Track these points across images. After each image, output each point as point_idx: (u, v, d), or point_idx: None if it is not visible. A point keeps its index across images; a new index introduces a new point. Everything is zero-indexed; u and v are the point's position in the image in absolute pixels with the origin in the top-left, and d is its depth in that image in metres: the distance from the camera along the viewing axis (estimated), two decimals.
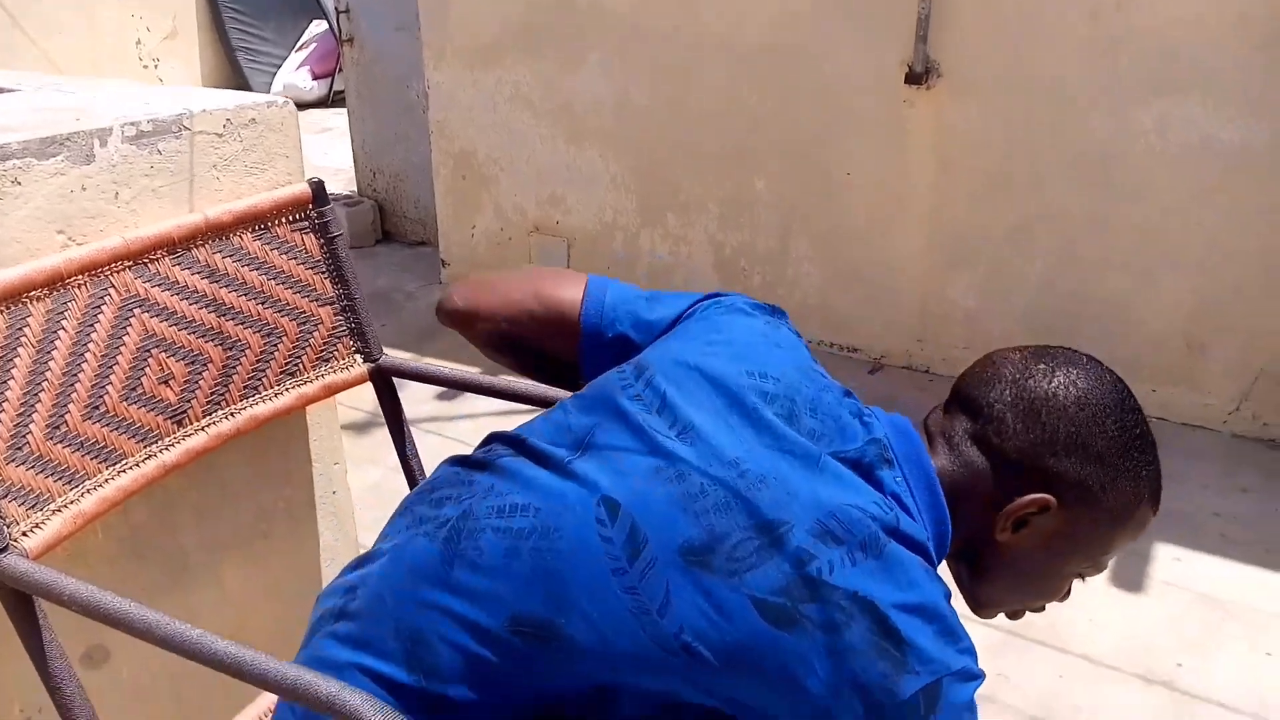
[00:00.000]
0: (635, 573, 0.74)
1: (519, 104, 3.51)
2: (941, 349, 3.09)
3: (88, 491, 1.00)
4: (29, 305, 0.96)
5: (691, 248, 3.42)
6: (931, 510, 0.83)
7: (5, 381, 0.94)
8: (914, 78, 2.79)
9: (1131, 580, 2.10)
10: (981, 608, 0.94)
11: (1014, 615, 0.95)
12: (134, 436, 1.05)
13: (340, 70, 5.82)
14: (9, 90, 1.23)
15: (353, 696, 0.72)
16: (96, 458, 1.02)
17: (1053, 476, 0.83)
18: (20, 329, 0.95)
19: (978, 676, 0.76)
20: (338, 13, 4.45)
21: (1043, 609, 0.95)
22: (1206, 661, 1.86)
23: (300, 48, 7.30)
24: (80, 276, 1.01)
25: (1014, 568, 0.88)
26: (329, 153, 5.62)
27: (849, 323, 3.21)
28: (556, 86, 3.59)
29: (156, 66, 7.24)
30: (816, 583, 0.73)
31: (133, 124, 1.08)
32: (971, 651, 0.77)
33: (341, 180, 4.70)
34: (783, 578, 0.73)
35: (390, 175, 4.42)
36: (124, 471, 1.04)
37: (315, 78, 7.23)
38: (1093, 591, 2.06)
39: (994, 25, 2.72)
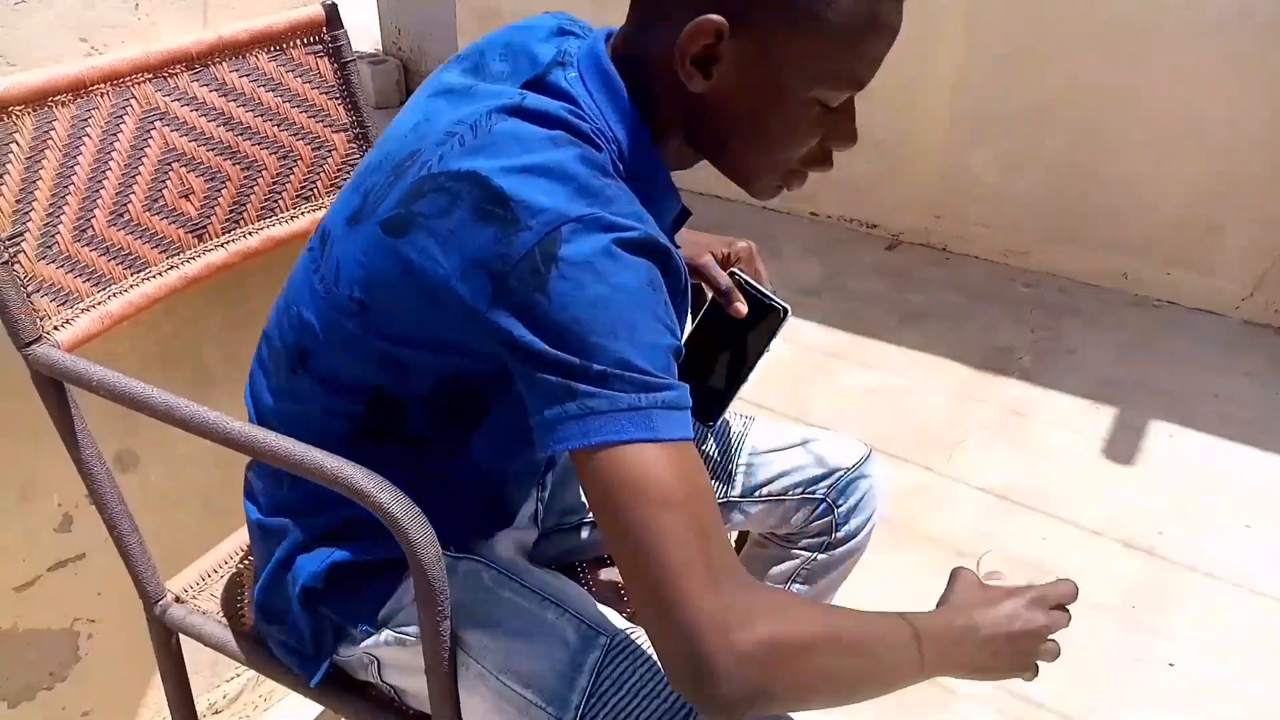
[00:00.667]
0: (320, 262, 0.83)
1: None
2: (959, 225, 3.08)
3: (114, 295, 1.05)
4: (54, 109, 0.99)
5: None
6: (611, 100, 0.77)
7: (34, 182, 0.97)
8: None
9: (1122, 453, 2.15)
10: (749, 184, 0.84)
11: (790, 182, 0.85)
12: (156, 246, 1.09)
13: None
14: None
15: (354, 472, 0.78)
16: (121, 263, 1.06)
17: (708, 1, 0.73)
18: (47, 132, 0.98)
19: (621, 229, 0.69)
20: None
21: (818, 162, 0.84)
22: (1187, 531, 1.92)
23: None
24: (103, 85, 1.03)
25: (736, 116, 0.78)
26: (354, 5, 5.50)
27: (867, 195, 3.19)
28: None
29: None
30: (423, 179, 0.72)
31: None
32: (620, 211, 0.70)
33: (367, 40, 4.62)
34: (399, 192, 0.74)
35: (414, 33, 4.35)
36: (148, 279, 1.08)
37: None
38: (1082, 463, 2.12)
39: None
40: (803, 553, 1.13)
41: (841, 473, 1.10)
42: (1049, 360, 2.50)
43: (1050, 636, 0.80)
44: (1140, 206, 2.75)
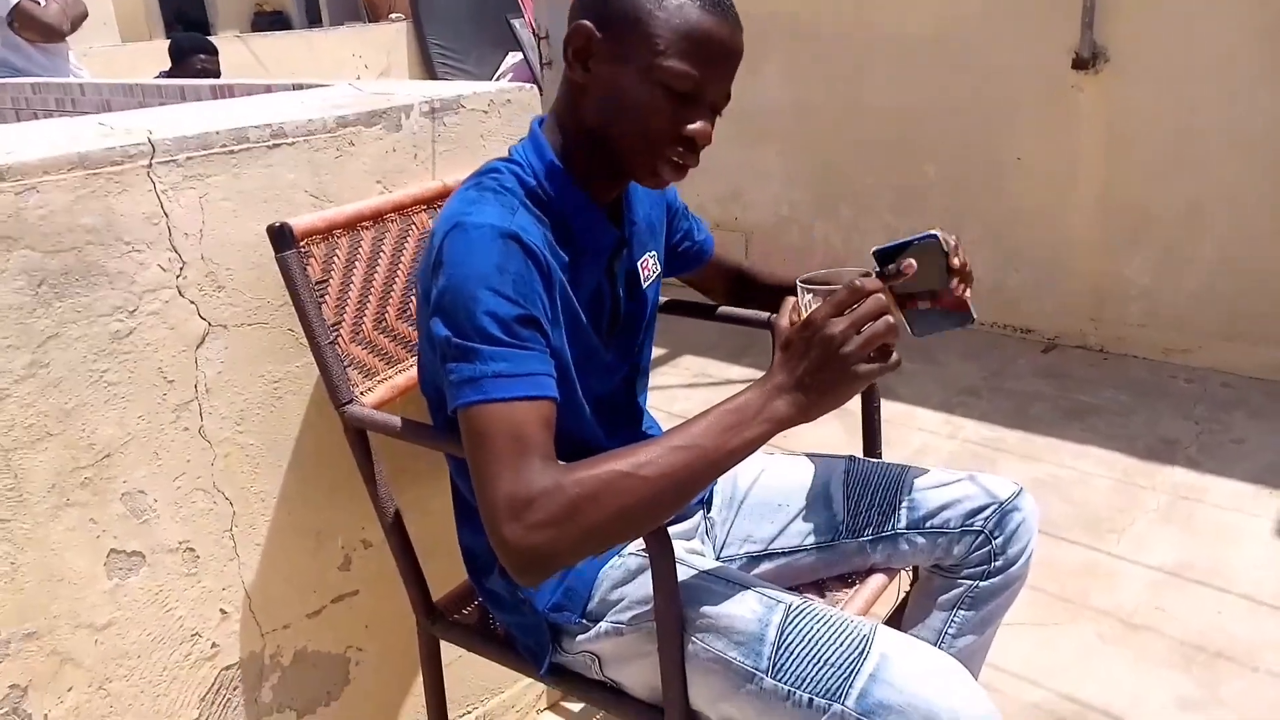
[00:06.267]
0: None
1: None
2: (1116, 328, 3.15)
3: (400, 371, 1.35)
4: (361, 232, 1.32)
5: (865, 236, 3.61)
6: (532, 143, 1.09)
7: (349, 285, 1.29)
8: (1081, 64, 2.91)
9: None
10: (632, 166, 1.05)
11: (665, 169, 1.04)
12: None
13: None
14: (328, 85, 1.62)
15: None
16: (404, 347, 1.36)
17: (585, 13, 1.02)
18: (357, 248, 1.31)
19: (478, 224, 0.96)
20: (537, 39, 4.92)
21: (685, 148, 1.03)
22: None
23: (498, 77, 7.94)
24: (393, 214, 1.36)
25: (608, 102, 1.02)
26: None
27: (1021, 304, 3.32)
28: (736, 92, 3.87)
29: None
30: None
31: (427, 102, 1.43)
32: (485, 213, 0.98)
33: None
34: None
35: None
36: None
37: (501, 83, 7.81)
38: (1256, 542, 2.13)
39: (1160, 10, 2.80)
40: (966, 581, 1.27)
41: (997, 505, 1.25)
42: (1216, 450, 2.52)
43: (867, 325, 0.90)
44: None
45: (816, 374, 0.92)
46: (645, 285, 1.22)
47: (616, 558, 1.16)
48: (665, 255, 1.32)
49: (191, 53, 3.99)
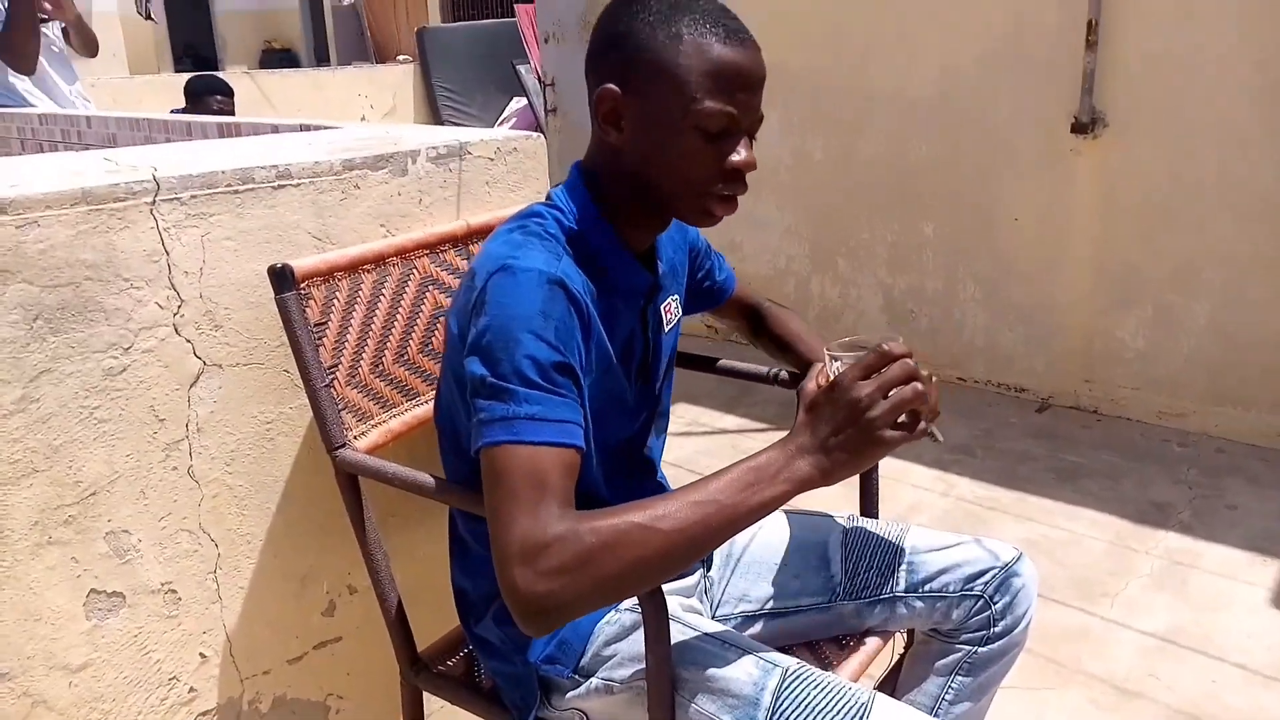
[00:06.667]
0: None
1: None
2: (1109, 389, 3.16)
3: (394, 415, 1.33)
4: (362, 275, 1.32)
5: (861, 290, 3.63)
6: (570, 190, 1.10)
7: (347, 328, 1.29)
8: (1080, 128, 2.94)
9: None
10: (678, 210, 1.07)
11: (715, 206, 1.04)
12: (425, 380, 1.39)
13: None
14: (335, 127, 1.63)
15: None
16: (400, 391, 1.35)
17: (606, 75, 1.03)
18: (357, 291, 1.31)
19: (523, 268, 0.96)
20: (543, 85, 4.98)
21: (730, 181, 1.03)
22: None
23: (502, 122, 8.02)
24: (394, 258, 1.36)
25: (647, 156, 1.03)
26: None
27: (1015, 363, 3.33)
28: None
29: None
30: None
31: (433, 148, 1.44)
32: (530, 257, 0.98)
33: None
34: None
35: None
36: (419, 405, 1.37)
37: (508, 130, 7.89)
38: (1250, 610, 2.12)
39: (1160, 78, 2.84)
40: (964, 646, 1.25)
41: (997, 570, 1.23)
42: (1209, 515, 2.51)
43: (894, 390, 0.91)
44: None
45: (841, 436, 0.91)
46: (667, 329, 1.22)
47: (613, 613, 1.15)
48: (686, 295, 1.32)
49: (207, 94, 4.04)
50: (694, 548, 0.90)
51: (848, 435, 0.91)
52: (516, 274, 0.97)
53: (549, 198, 1.12)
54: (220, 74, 6.15)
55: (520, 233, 1.04)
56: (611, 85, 1.03)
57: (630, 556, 0.87)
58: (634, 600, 1.13)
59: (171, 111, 4.18)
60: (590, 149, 1.11)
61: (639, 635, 1.09)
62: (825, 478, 0.92)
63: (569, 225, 1.08)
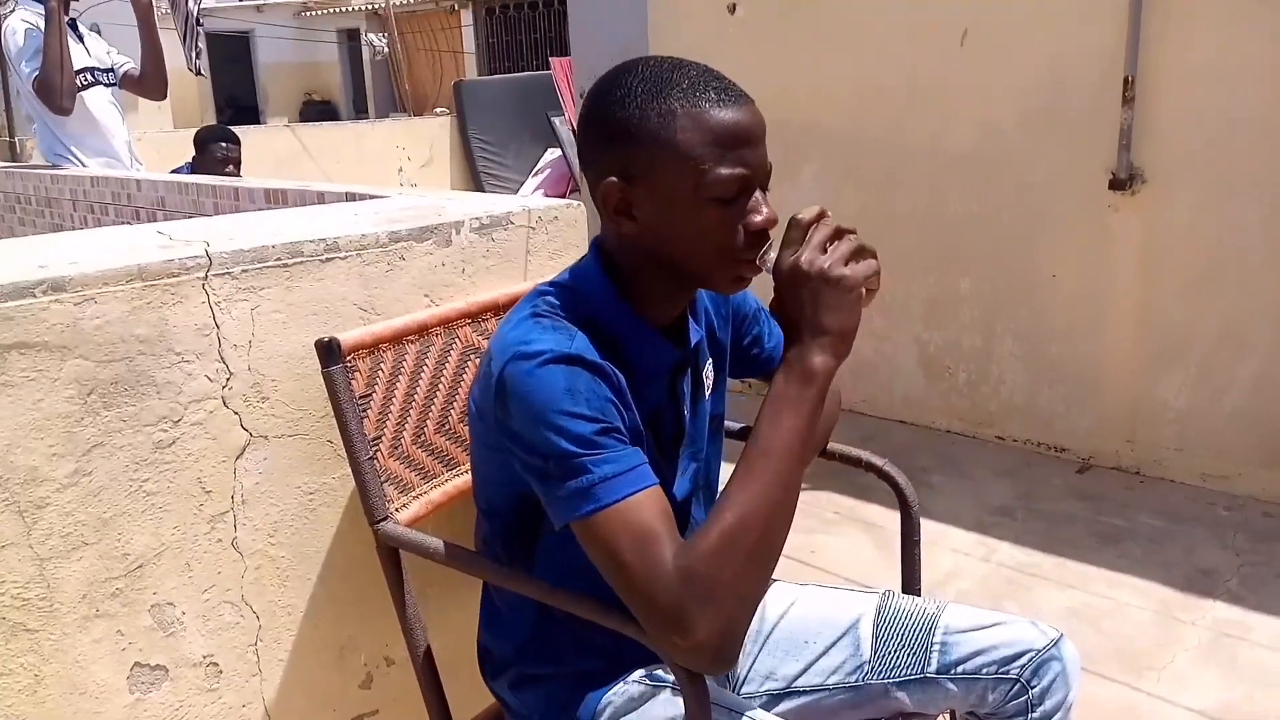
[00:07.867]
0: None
1: None
2: (1152, 450, 3.10)
3: (435, 486, 1.34)
4: (406, 346, 1.33)
5: (896, 345, 3.61)
6: (583, 269, 1.09)
7: (391, 399, 1.30)
8: (1118, 184, 2.93)
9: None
10: (708, 282, 1.07)
11: (743, 270, 1.04)
12: (465, 450, 1.39)
13: (574, 191, 6.47)
14: (383, 196, 1.66)
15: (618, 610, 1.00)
16: (441, 462, 1.36)
17: (605, 170, 1.01)
18: (401, 362, 1.32)
19: (538, 354, 0.96)
20: (576, 137, 5.06)
21: (753, 244, 1.01)
22: None
23: (536, 173, 8.13)
24: (438, 328, 1.37)
25: (668, 237, 1.02)
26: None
27: (1055, 422, 3.28)
28: (771, 198, 3.94)
29: (415, 188, 8.26)
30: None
31: (477, 219, 1.46)
32: (543, 341, 0.98)
33: None
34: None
35: None
36: (459, 475, 1.37)
37: (548, 198, 8.00)
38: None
39: (1199, 133, 2.83)
40: None
41: (1034, 653, 1.20)
42: (1259, 584, 2.45)
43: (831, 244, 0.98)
44: None
45: (818, 305, 0.96)
46: (707, 395, 1.21)
47: (620, 684, 1.13)
48: (731, 361, 1.30)
49: (213, 141, 4.19)
50: (785, 488, 0.96)
51: (822, 300, 0.96)
52: (530, 360, 0.97)
53: (568, 274, 1.12)
54: (256, 122, 6.27)
55: (530, 318, 1.04)
56: (614, 179, 1.01)
57: (749, 542, 0.92)
58: (640, 670, 1.13)
59: (183, 164, 4.31)
60: (604, 234, 1.09)
61: (646, 708, 1.09)
62: (834, 351, 0.97)
63: (580, 306, 1.07)
